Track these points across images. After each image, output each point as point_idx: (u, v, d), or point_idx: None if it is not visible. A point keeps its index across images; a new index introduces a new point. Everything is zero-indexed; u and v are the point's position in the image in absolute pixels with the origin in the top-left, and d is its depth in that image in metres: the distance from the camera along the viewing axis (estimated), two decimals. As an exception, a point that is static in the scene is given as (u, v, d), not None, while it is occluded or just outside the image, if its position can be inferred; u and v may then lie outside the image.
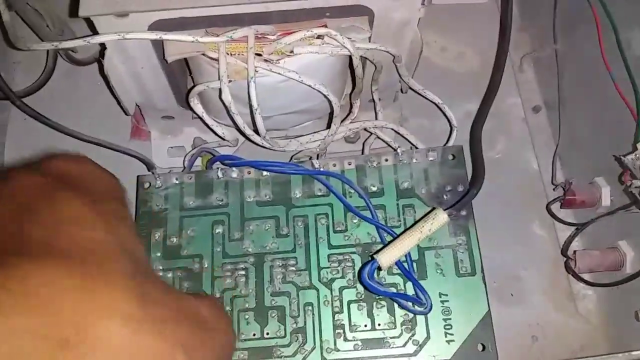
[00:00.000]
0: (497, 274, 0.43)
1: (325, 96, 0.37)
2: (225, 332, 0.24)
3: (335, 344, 0.36)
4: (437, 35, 0.53)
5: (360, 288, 0.37)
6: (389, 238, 0.38)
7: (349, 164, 0.40)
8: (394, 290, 0.37)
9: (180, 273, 0.38)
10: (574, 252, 0.42)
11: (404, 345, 0.36)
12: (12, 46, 0.40)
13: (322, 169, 0.40)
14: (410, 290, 0.37)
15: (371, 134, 0.46)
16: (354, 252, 0.38)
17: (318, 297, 0.37)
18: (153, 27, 0.34)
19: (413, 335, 0.36)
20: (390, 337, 0.36)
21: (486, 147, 0.42)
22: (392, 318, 0.36)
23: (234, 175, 0.40)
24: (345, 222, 0.39)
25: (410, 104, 0.48)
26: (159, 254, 0.39)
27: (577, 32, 0.45)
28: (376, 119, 0.45)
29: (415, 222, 0.36)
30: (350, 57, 0.36)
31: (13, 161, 0.49)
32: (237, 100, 0.36)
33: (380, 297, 0.36)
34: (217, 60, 0.35)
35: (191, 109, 0.40)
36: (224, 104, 0.36)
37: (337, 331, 0.36)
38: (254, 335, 0.36)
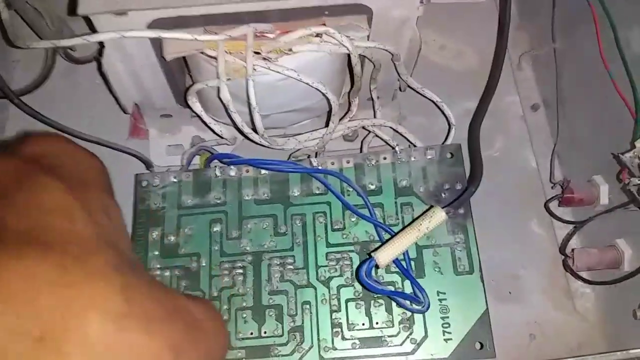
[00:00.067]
0: (495, 272, 0.43)
1: (323, 94, 0.37)
2: (218, 334, 0.22)
3: (332, 342, 0.36)
4: (435, 33, 0.53)
5: (358, 286, 0.37)
6: (387, 236, 0.38)
7: (348, 162, 0.41)
8: (391, 288, 0.37)
9: (177, 272, 0.38)
10: (572, 250, 0.42)
11: (401, 344, 0.36)
12: (11, 44, 0.40)
13: (320, 167, 0.40)
14: (408, 289, 0.37)
15: (369, 132, 0.46)
16: (352, 251, 0.38)
17: (316, 296, 0.37)
18: (152, 25, 0.33)
19: (411, 333, 0.36)
20: (388, 336, 0.36)
21: (484, 145, 0.42)
22: (390, 316, 0.36)
23: (232, 173, 0.40)
24: (344, 220, 0.39)
25: (409, 102, 0.48)
26: (156, 253, 0.39)
27: (575, 31, 0.45)
28: (375, 117, 0.45)
29: (413, 220, 0.36)
30: (348, 56, 0.36)
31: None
32: (236, 98, 0.36)
33: (378, 295, 0.36)
34: (215, 58, 0.35)
35: (189, 107, 0.40)
36: (222, 102, 0.36)
37: (335, 330, 0.36)
38: (252, 334, 0.36)
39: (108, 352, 0.16)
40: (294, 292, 0.37)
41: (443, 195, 0.39)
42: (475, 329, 0.35)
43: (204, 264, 0.38)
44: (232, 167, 0.41)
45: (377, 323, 0.36)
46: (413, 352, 0.35)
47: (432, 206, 0.37)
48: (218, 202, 0.40)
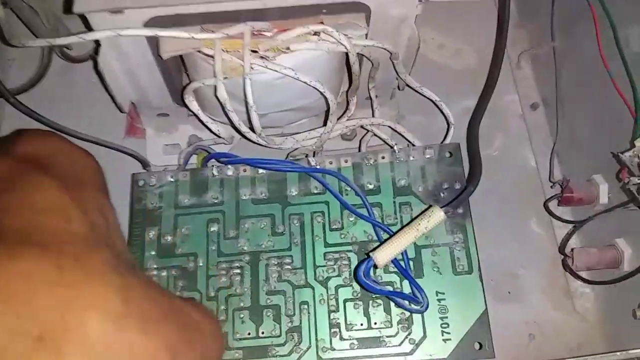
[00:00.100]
0: (494, 271, 0.43)
1: (321, 93, 0.37)
2: (215, 337, 0.23)
3: (331, 343, 0.36)
4: (434, 32, 0.53)
5: (357, 286, 0.37)
6: (385, 236, 0.37)
7: (346, 161, 0.40)
8: (390, 288, 0.36)
9: (174, 272, 0.38)
10: (572, 249, 0.42)
11: (400, 344, 0.35)
12: (7, 43, 0.40)
13: (318, 167, 0.40)
14: (406, 289, 0.36)
15: (368, 131, 0.46)
16: (350, 250, 0.38)
17: (314, 296, 0.37)
18: (148, 23, 0.33)
19: (409, 334, 0.36)
20: (387, 336, 0.36)
21: (483, 144, 0.42)
22: (389, 317, 0.36)
23: (230, 173, 0.40)
24: (342, 220, 0.39)
25: (407, 101, 0.48)
26: (153, 253, 0.38)
27: (575, 30, 0.45)
28: (373, 116, 0.45)
29: (412, 220, 0.36)
30: (347, 54, 0.36)
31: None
32: (233, 97, 0.36)
33: (377, 295, 0.36)
34: (212, 57, 0.35)
35: (186, 106, 0.40)
36: (219, 101, 0.36)
37: (333, 330, 0.36)
38: (249, 334, 0.36)
39: (108, 352, 0.16)
40: (292, 292, 0.37)
41: (442, 194, 0.39)
42: (474, 329, 0.35)
43: (201, 264, 0.38)
44: (229, 166, 0.40)
45: (375, 323, 0.36)
46: (412, 352, 0.35)
47: (430, 206, 0.36)
48: (215, 201, 0.40)
